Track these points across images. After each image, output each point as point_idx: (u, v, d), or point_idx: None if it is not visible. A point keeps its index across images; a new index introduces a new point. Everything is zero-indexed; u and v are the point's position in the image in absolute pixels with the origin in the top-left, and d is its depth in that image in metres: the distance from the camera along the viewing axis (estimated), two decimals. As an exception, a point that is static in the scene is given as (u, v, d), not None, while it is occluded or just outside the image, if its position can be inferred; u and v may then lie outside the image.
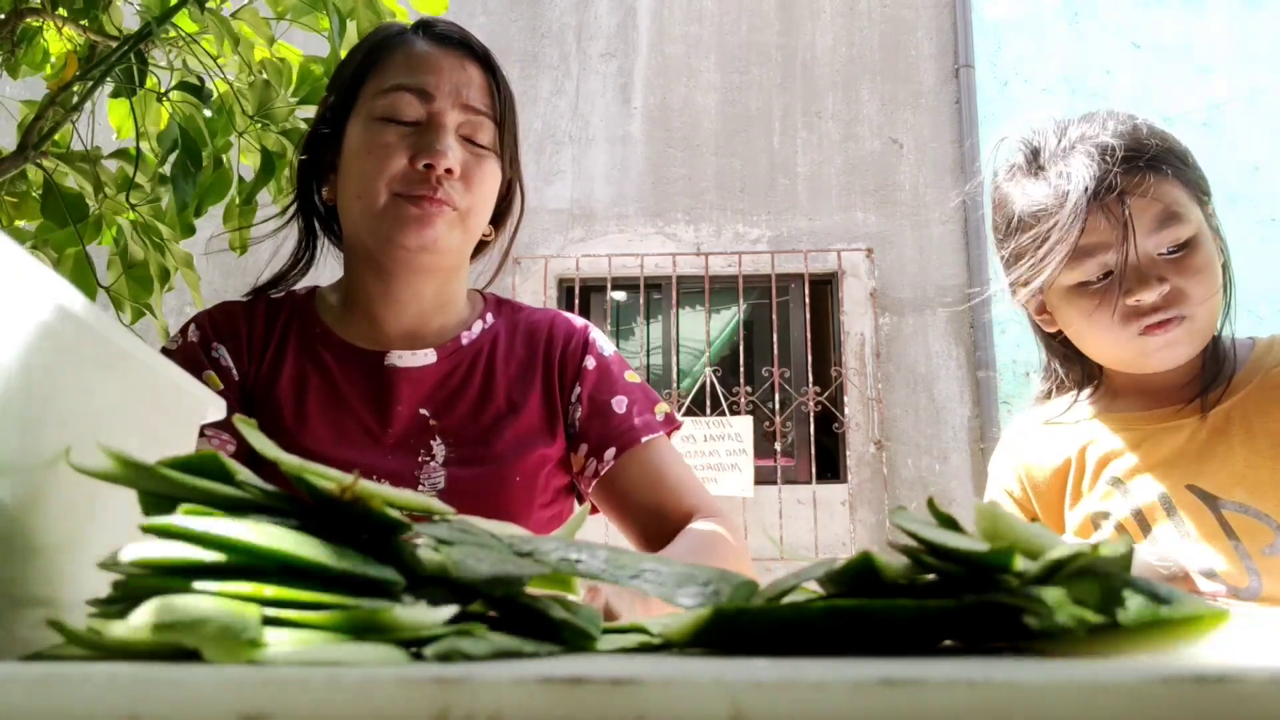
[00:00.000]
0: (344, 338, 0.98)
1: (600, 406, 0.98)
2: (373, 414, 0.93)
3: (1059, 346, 1.07)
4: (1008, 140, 1.03)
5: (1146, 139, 0.94)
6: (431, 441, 0.93)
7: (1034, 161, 0.99)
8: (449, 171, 0.90)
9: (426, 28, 0.97)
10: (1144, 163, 0.92)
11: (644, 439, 0.96)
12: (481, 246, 1.04)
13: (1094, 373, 1.06)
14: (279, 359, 0.96)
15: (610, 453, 0.96)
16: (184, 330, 0.97)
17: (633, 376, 1.02)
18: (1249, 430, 0.93)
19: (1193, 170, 0.95)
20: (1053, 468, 1.04)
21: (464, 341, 0.99)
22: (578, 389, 0.99)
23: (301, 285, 1.05)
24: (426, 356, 0.97)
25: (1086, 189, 0.91)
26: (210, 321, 0.98)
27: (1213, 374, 0.96)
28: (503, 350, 1.00)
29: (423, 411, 0.94)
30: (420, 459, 0.92)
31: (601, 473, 0.96)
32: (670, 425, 1.00)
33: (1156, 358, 0.94)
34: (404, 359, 0.96)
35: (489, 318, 1.03)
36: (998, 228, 1.05)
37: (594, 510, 0.99)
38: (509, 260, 1.07)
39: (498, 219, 1.04)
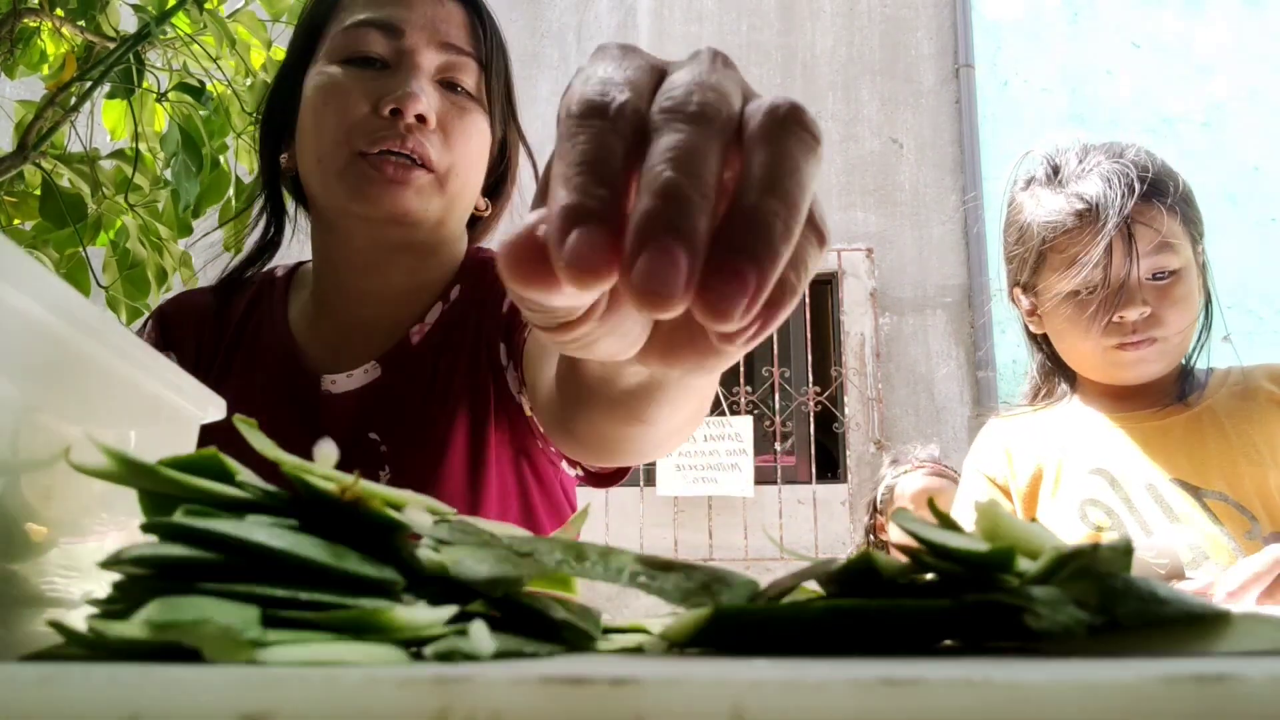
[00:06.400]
0: (298, 340, 0.85)
1: (521, 326, 0.77)
2: (311, 443, 0.81)
3: (1042, 348, 1.17)
4: (1032, 154, 1.12)
5: (1158, 174, 1.04)
6: (380, 471, 0.79)
7: (1054, 177, 1.08)
8: (422, 120, 0.75)
9: None
10: (1152, 194, 1.02)
11: None
12: (474, 224, 0.90)
13: (1072, 377, 1.15)
14: (226, 369, 0.85)
15: (520, 336, 0.76)
16: (143, 326, 0.90)
17: None
18: (1222, 431, 1.03)
19: (1193, 210, 1.06)
20: (1038, 455, 1.12)
21: (414, 340, 0.83)
22: (503, 346, 0.80)
23: (294, 261, 0.93)
24: (368, 373, 0.82)
25: (1106, 208, 1.01)
26: (163, 321, 0.88)
27: (1190, 384, 1.08)
28: (455, 336, 0.83)
29: (373, 436, 0.80)
30: None
31: (519, 364, 0.76)
32: None
33: (1127, 372, 1.05)
34: (339, 383, 0.82)
35: (454, 293, 0.85)
36: (1007, 230, 1.14)
37: (589, 478, 0.79)
38: None
39: (494, 190, 0.89)
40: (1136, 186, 1.01)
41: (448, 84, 0.79)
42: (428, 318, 0.84)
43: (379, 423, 0.80)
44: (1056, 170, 1.08)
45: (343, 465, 0.84)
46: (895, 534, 2.13)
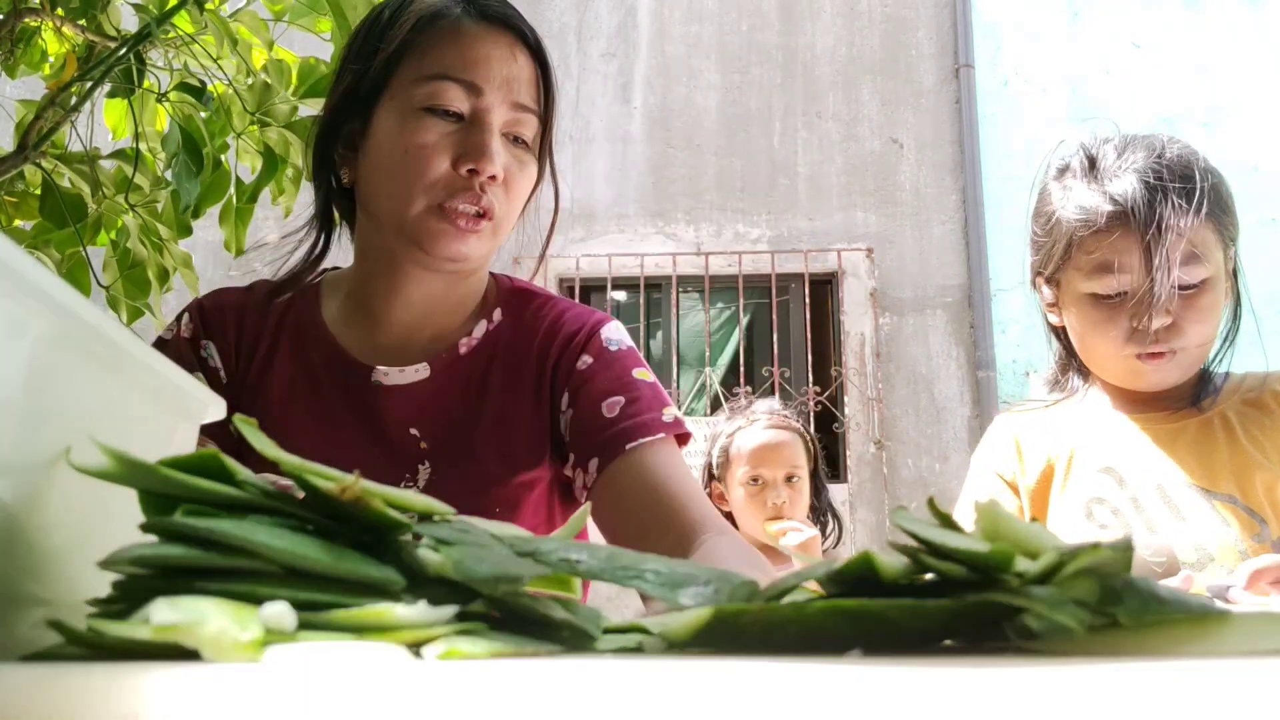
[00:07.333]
0: (339, 340, 0.91)
1: (588, 408, 0.85)
2: (362, 432, 0.87)
3: (1061, 339, 1.15)
4: (1067, 143, 1.08)
5: (1198, 179, 0.98)
6: (419, 465, 0.85)
7: (1089, 170, 1.03)
8: (492, 178, 0.83)
9: (474, 3, 0.87)
10: (1188, 200, 0.96)
11: (639, 440, 0.82)
12: None
13: (1088, 373, 1.13)
14: (271, 357, 0.90)
15: (594, 463, 0.84)
16: (179, 319, 0.93)
17: (643, 374, 0.89)
18: (1233, 436, 1.02)
19: (1229, 215, 1.02)
20: (1048, 452, 1.10)
21: (462, 350, 0.90)
22: (566, 394, 0.87)
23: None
24: (418, 372, 0.89)
25: (1140, 213, 0.96)
26: (201, 314, 0.92)
27: (1206, 388, 1.06)
28: (502, 357, 0.90)
29: (413, 432, 0.87)
30: (404, 486, 0.85)
31: (589, 485, 0.84)
32: (678, 428, 0.86)
33: (1144, 379, 1.03)
34: (391, 376, 0.88)
35: (496, 315, 0.93)
36: (1034, 218, 1.10)
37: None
38: (513, 261, 1.03)
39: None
40: (1173, 194, 0.96)
41: (510, 136, 0.86)
42: (475, 332, 0.92)
43: (422, 421, 0.87)
44: (1093, 162, 1.03)
45: (384, 455, 0.85)
46: (737, 504, 1.90)
